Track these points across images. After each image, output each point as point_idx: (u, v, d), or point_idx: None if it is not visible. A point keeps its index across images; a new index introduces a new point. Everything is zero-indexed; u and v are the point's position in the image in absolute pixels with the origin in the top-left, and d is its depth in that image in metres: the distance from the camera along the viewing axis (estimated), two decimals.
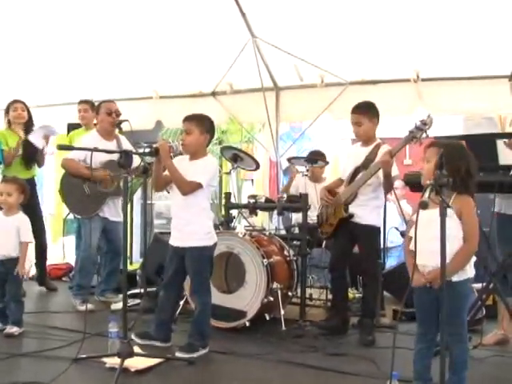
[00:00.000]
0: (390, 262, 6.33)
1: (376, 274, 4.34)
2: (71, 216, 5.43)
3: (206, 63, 6.20)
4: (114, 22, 5.81)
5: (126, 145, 5.02)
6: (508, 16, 4.72)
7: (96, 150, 3.77)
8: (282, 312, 4.36)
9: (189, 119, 3.85)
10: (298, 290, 4.75)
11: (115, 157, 4.64)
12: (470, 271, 2.85)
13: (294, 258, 4.79)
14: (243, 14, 5.68)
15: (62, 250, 6.11)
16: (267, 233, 5.03)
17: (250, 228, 4.99)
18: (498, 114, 5.55)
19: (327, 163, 5.76)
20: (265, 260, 4.32)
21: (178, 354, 3.68)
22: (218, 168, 4.29)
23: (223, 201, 5.29)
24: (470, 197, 2.83)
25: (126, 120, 4.93)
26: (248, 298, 4.33)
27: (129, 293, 3.70)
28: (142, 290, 4.95)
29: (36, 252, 5.59)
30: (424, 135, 3.80)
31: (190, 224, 3.79)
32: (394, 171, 4.07)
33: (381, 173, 4.05)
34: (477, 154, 2.93)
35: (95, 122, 5.40)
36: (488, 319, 4.08)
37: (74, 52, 6.21)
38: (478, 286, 3.89)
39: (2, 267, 4.15)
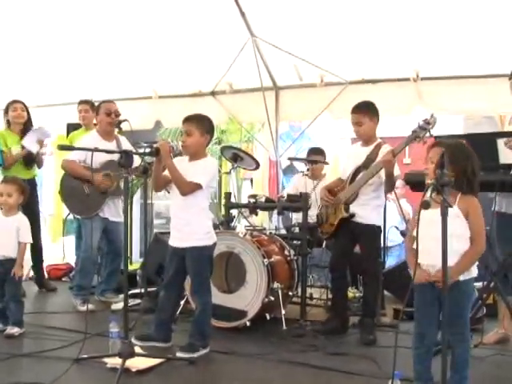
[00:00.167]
0: (390, 261, 6.33)
1: (377, 273, 4.34)
2: (71, 216, 5.43)
3: (206, 63, 6.21)
4: (113, 22, 5.81)
5: (126, 145, 5.02)
6: (508, 15, 4.72)
7: (97, 150, 3.76)
8: (283, 312, 4.36)
9: (189, 120, 3.84)
10: (299, 290, 4.75)
11: (115, 157, 4.65)
12: (474, 271, 2.86)
13: (295, 258, 4.78)
14: (243, 14, 5.68)
15: (62, 251, 6.10)
16: (267, 232, 5.03)
17: (251, 228, 4.98)
18: (499, 113, 5.56)
19: (327, 163, 5.75)
20: (265, 260, 4.32)
21: (179, 354, 3.67)
22: (218, 169, 4.29)
23: (223, 200, 5.28)
24: (474, 197, 2.84)
25: (126, 120, 4.94)
26: (249, 298, 4.33)
27: (129, 293, 3.70)
28: (143, 290, 4.95)
29: (32, 254, 5.57)
30: (427, 135, 3.80)
31: (189, 224, 3.78)
32: (396, 171, 4.07)
33: (382, 172, 4.05)
34: (477, 153, 2.93)
35: (95, 122, 5.41)
36: (488, 318, 4.09)
37: (73, 52, 6.21)
38: (479, 285, 3.89)
39: (2, 268, 4.13)
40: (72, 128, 6.09)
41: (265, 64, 6.33)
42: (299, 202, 4.81)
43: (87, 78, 6.56)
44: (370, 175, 4.11)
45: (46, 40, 6.06)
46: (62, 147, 4.04)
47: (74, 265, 6.23)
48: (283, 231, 5.69)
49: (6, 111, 5.50)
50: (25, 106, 5.54)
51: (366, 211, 4.20)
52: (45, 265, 6.08)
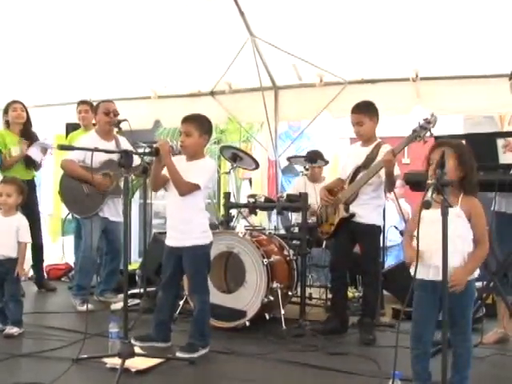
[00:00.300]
0: (389, 261, 6.34)
1: (377, 273, 4.35)
2: (70, 216, 5.42)
3: (205, 63, 6.20)
4: (112, 22, 5.80)
5: (125, 145, 5.01)
6: (507, 14, 4.72)
7: (97, 150, 3.76)
8: (282, 311, 4.36)
9: (188, 121, 3.83)
10: (298, 290, 4.75)
11: (114, 156, 4.66)
12: (476, 271, 2.87)
13: (294, 258, 4.79)
14: (242, 14, 5.68)
15: (62, 250, 6.10)
16: (267, 232, 5.03)
17: (250, 228, 4.98)
18: (498, 112, 5.56)
19: (327, 162, 5.76)
20: (265, 259, 4.32)
21: (179, 354, 3.67)
22: (216, 169, 4.29)
23: (223, 200, 5.27)
24: (476, 197, 2.85)
25: (125, 120, 4.94)
26: (248, 298, 4.33)
27: (128, 293, 3.70)
28: (142, 290, 4.94)
29: (32, 254, 5.60)
30: (428, 134, 3.80)
31: (187, 223, 3.78)
32: (396, 170, 4.07)
33: (382, 172, 4.05)
34: (477, 153, 2.94)
35: (94, 122, 5.40)
36: (488, 318, 4.08)
37: (72, 52, 6.20)
38: (478, 284, 3.89)
39: (1, 267, 4.13)
40: (71, 128, 6.09)
41: (264, 64, 6.32)
42: (298, 201, 4.81)
43: (86, 78, 6.56)
44: (369, 175, 4.11)
45: (45, 40, 6.05)
46: (62, 147, 4.04)
47: (73, 265, 6.24)
48: (282, 231, 5.69)
49: (6, 111, 5.49)
50: (24, 106, 5.54)
51: (365, 211, 4.20)
52: (44, 265, 6.07)
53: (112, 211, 5.10)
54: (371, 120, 4.23)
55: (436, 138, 3.62)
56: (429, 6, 4.95)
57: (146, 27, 5.85)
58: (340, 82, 6.18)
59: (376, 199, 4.26)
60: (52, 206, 8.97)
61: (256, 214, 5.22)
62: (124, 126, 5.01)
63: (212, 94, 6.84)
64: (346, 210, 4.23)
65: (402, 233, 5.53)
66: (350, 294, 4.98)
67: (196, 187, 3.72)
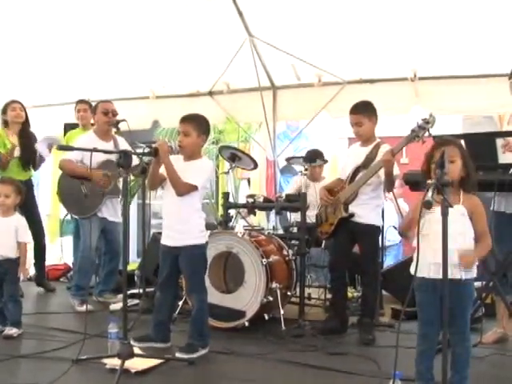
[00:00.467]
0: (388, 261, 6.34)
1: (376, 273, 4.35)
2: (69, 216, 5.41)
3: (203, 63, 6.20)
4: (110, 22, 5.80)
5: (124, 145, 5.01)
6: (507, 14, 4.73)
7: (96, 150, 3.75)
8: (282, 312, 4.36)
9: (186, 121, 3.83)
10: (297, 290, 4.75)
11: (112, 157, 4.66)
12: (474, 271, 2.87)
13: (293, 258, 4.78)
14: (240, 14, 5.68)
15: (60, 251, 6.09)
16: (266, 232, 5.03)
17: (249, 228, 4.98)
18: (498, 112, 5.56)
19: (326, 161, 5.75)
20: (264, 260, 4.32)
21: (178, 355, 3.66)
22: (214, 169, 4.29)
23: (221, 200, 5.27)
24: (475, 195, 2.87)
25: (124, 120, 4.94)
26: (247, 298, 4.32)
27: (127, 293, 3.71)
28: (141, 291, 4.94)
29: (35, 253, 5.60)
30: (426, 134, 3.80)
31: (184, 223, 3.78)
32: (395, 170, 4.07)
33: (382, 172, 4.05)
34: (476, 153, 2.95)
35: (92, 122, 5.40)
36: (487, 317, 4.08)
37: (70, 52, 6.19)
38: (478, 284, 3.89)
39: (0, 268, 4.12)
40: (69, 128, 6.08)
41: (262, 64, 6.32)
42: (297, 201, 4.81)
43: (84, 78, 6.55)
44: (369, 175, 4.11)
45: (44, 40, 6.04)
46: (62, 147, 4.04)
47: (71, 265, 6.23)
48: (281, 231, 5.68)
49: (4, 111, 5.48)
50: (23, 106, 5.53)
51: (365, 211, 4.20)
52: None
53: (110, 211, 5.09)
54: (370, 120, 4.23)
55: (435, 137, 3.62)
56: (427, 5, 4.95)
57: (145, 27, 5.84)
58: (338, 81, 6.18)
59: (375, 199, 4.26)
60: (50, 207, 8.95)
61: (255, 214, 5.22)
62: (122, 126, 5.02)
63: (210, 93, 6.84)
64: (346, 209, 4.23)
65: (400, 233, 5.52)
66: (348, 294, 4.97)
67: (193, 188, 3.73)
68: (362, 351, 3.90)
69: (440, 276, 2.63)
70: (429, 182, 2.63)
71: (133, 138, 5.05)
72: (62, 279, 6.50)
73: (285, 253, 4.75)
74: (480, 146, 3.63)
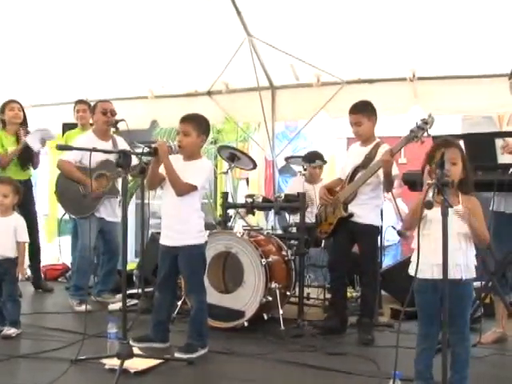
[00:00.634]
0: (387, 261, 6.34)
1: (375, 273, 4.35)
2: (66, 216, 5.41)
3: (202, 62, 6.19)
4: (109, 22, 5.80)
5: (123, 145, 5.01)
6: (506, 13, 4.73)
7: (95, 150, 3.75)
8: (281, 312, 4.35)
9: (186, 120, 3.83)
10: (296, 290, 4.75)
11: (111, 156, 4.66)
12: (474, 271, 2.88)
13: (292, 258, 4.78)
14: (239, 13, 5.68)
15: (58, 251, 6.08)
16: (265, 232, 5.03)
17: (248, 228, 4.98)
18: (497, 112, 5.56)
19: (325, 162, 5.75)
20: (263, 260, 4.31)
21: (178, 355, 3.66)
22: (212, 169, 4.28)
23: (220, 200, 5.27)
24: (473, 196, 2.87)
25: (123, 119, 4.93)
26: (246, 298, 4.32)
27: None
28: (140, 291, 4.93)
29: (29, 254, 5.56)
30: (425, 134, 3.80)
31: (184, 223, 3.78)
32: (394, 170, 4.07)
33: (381, 172, 4.05)
34: (476, 153, 2.96)
35: (91, 122, 5.39)
36: (486, 318, 4.09)
37: (69, 52, 6.19)
38: (477, 284, 3.89)
39: (0, 267, 4.12)
40: (68, 128, 6.07)
41: (261, 64, 6.31)
42: (297, 201, 4.81)
43: (83, 77, 6.55)
44: (368, 175, 4.11)
45: (42, 40, 6.04)
46: (61, 147, 4.02)
47: (70, 265, 6.22)
48: (279, 231, 5.68)
49: (2, 111, 5.45)
50: (21, 106, 5.51)
51: (364, 211, 4.20)
52: (41, 265, 6.04)
53: (108, 211, 5.09)
54: (369, 120, 4.23)
55: (435, 138, 3.62)
56: (426, 5, 4.95)
57: (143, 27, 5.84)
58: (337, 81, 6.17)
59: (374, 199, 4.26)
60: (48, 207, 8.95)
61: (254, 214, 5.22)
62: (121, 125, 5.01)
63: (209, 93, 6.83)
64: (345, 209, 4.23)
65: (399, 233, 5.53)
66: (348, 294, 4.97)
67: (193, 188, 3.72)
68: (362, 351, 3.90)
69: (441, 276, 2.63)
70: (429, 182, 2.63)
71: (131, 137, 5.06)
72: (60, 279, 6.48)
73: (284, 253, 4.75)
74: (479, 146, 3.63)
